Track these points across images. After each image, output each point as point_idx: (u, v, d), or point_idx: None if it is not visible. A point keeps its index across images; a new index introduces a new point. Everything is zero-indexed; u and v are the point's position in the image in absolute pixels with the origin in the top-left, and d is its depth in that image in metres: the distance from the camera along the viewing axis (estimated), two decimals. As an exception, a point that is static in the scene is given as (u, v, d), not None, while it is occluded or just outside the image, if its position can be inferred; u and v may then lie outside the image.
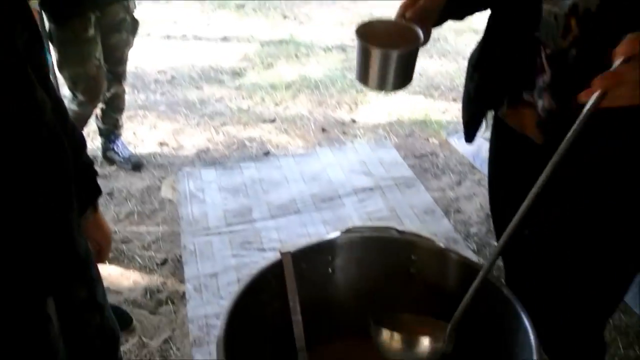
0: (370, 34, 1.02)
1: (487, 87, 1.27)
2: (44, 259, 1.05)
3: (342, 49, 4.96)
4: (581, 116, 0.81)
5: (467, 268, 1.04)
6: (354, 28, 1.02)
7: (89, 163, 1.25)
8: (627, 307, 2.25)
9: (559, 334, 1.28)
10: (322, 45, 5.07)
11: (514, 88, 1.21)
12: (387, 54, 0.99)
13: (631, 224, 1.14)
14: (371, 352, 1.15)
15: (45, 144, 1.02)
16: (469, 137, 1.36)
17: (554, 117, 1.11)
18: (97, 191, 1.30)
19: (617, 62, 0.82)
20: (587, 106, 0.81)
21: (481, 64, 1.28)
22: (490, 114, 1.41)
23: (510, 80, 1.21)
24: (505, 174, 1.40)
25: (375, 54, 1.00)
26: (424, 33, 1.02)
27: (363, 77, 1.04)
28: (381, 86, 1.03)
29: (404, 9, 1.04)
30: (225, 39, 5.27)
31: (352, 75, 4.48)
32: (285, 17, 5.77)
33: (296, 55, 4.91)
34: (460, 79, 3.44)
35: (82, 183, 1.20)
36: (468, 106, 1.37)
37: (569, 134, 0.81)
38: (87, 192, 1.25)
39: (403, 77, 1.03)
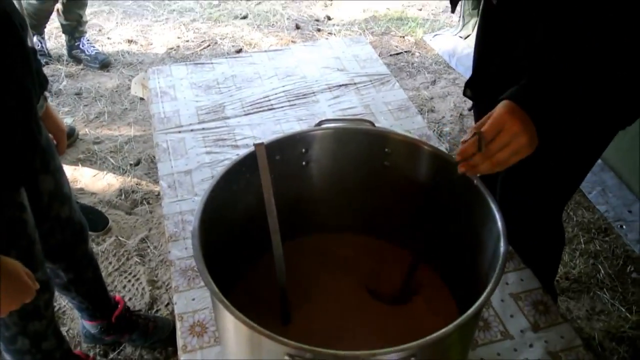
0: None
1: None
2: (12, 149, 1.04)
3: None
4: None
5: (440, 160, 1.05)
6: None
7: (33, 49, 1.21)
8: (590, 204, 2.33)
9: (524, 224, 1.33)
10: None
11: None
12: None
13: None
14: (344, 247, 1.19)
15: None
16: (454, 5, 1.32)
17: None
18: (45, 80, 1.27)
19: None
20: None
21: None
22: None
23: None
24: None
25: None
26: None
27: None
28: None
29: None
30: None
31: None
32: None
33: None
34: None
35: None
36: None
37: None
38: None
39: None
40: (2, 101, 1.00)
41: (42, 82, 1.26)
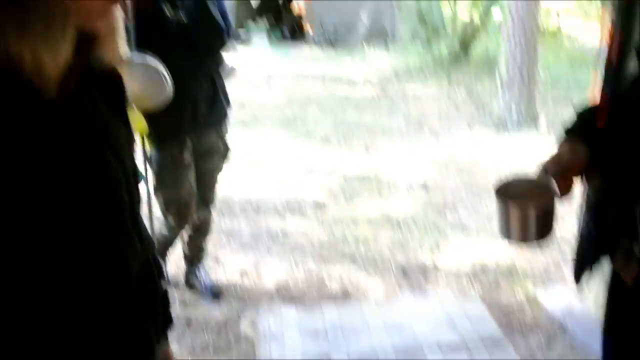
0: (509, 191, 1.13)
1: (603, 229, 1.23)
2: None
3: (425, 187, 5.00)
4: None
5: None
6: (494, 188, 1.14)
7: (165, 290, 1.22)
8: None
9: None
10: (404, 182, 5.13)
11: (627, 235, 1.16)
12: (525, 209, 1.09)
13: None
14: None
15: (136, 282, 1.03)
16: (578, 277, 1.31)
17: None
18: (170, 321, 1.25)
19: None
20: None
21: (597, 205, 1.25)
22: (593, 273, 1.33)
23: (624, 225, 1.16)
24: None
25: (514, 209, 1.10)
26: (566, 185, 1.11)
27: (505, 232, 1.13)
28: (524, 238, 1.13)
29: (547, 166, 1.11)
30: (309, 170, 5.45)
31: (433, 214, 4.46)
32: (369, 151, 5.94)
33: (379, 192, 4.97)
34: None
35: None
36: (583, 245, 1.32)
37: None
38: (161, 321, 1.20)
39: (543, 228, 1.11)
40: (124, 349, 1.01)
41: (167, 323, 1.27)
